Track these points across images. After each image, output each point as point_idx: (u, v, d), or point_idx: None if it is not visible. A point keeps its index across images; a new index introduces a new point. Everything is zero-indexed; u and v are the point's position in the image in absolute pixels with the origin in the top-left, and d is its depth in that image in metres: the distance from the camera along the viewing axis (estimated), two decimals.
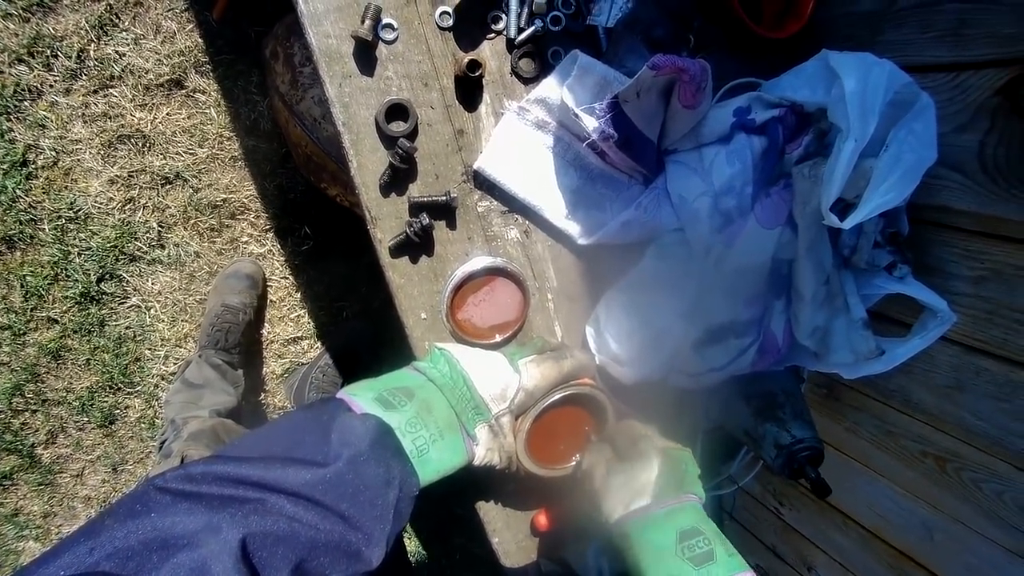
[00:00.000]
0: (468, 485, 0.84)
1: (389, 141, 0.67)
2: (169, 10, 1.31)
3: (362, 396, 0.61)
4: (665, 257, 0.74)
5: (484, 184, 0.72)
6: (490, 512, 0.85)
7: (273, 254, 1.46)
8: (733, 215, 0.72)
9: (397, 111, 0.67)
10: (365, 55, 0.66)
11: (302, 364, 1.52)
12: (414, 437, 0.60)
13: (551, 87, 0.70)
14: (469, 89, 0.70)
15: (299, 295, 1.50)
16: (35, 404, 1.43)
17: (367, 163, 0.67)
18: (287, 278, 1.48)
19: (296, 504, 0.50)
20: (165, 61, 1.32)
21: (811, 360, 0.81)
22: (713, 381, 0.78)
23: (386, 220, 0.69)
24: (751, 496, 1.24)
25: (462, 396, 0.66)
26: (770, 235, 0.71)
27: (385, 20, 0.66)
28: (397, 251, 0.70)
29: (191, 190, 1.38)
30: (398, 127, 0.66)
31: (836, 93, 0.65)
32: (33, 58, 1.27)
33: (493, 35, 0.69)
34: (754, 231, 0.71)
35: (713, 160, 0.72)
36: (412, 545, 1.72)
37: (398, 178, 0.68)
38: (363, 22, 0.64)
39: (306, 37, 0.64)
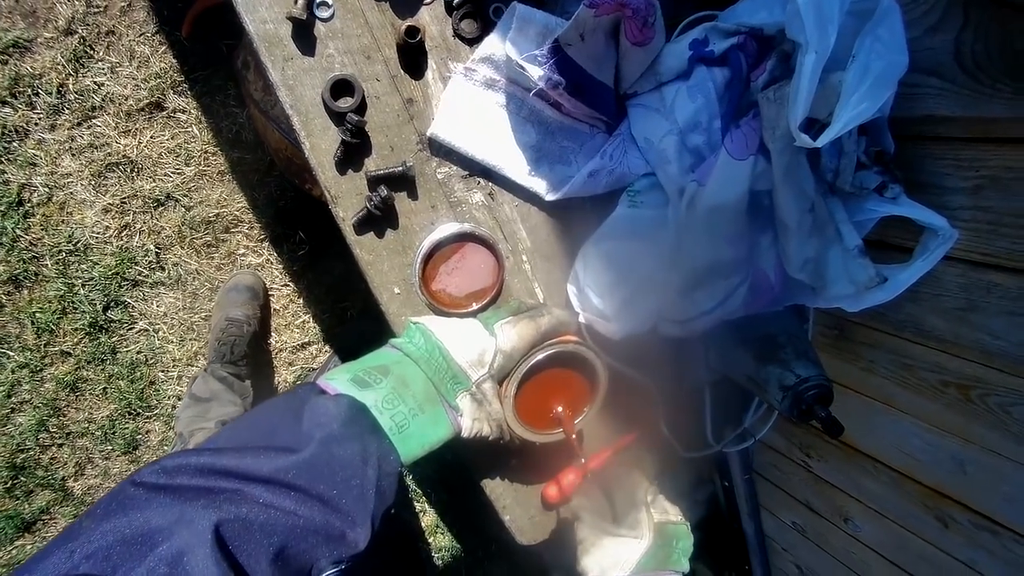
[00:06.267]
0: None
1: (338, 118, 0.66)
2: (140, 35, 1.33)
3: (338, 379, 0.61)
4: (638, 204, 0.72)
5: (441, 150, 0.71)
6: (496, 489, 0.83)
7: (271, 263, 1.47)
8: (703, 152, 0.69)
9: (342, 87, 0.65)
10: (304, 35, 0.65)
11: (313, 370, 1.53)
12: (392, 413, 0.59)
13: (495, 44, 0.68)
14: (413, 57, 0.68)
15: (302, 300, 1.50)
16: (60, 438, 1.46)
17: (319, 143, 0.66)
18: (288, 285, 1.49)
19: (271, 491, 0.50)
20: (143, 85, 1.33)
21: (810, 296, 0.78)
22: (704, 326, 0.75)
23: (346, 198, 0.68)
24: (777, 451, 1.20)
25: (439, 367, 0.64)
26: (742, 166, 0.68)
27: None
28: (361, 227, 0.69)
29: (183, 209, 1.39)
30: (345, 103, 0.65)
31: (791, 8, 0.62)
32: (16, 99, 1.30)
33: (430, 0, 0.67)
34: (725, 164, 0.68)
35: (674, 97, 0.69)
36: (447, 540, 1.72)
37: (352, 154, 0.67)
38: (296, 2, 0.63)
39: (244, 25, 0.64)
